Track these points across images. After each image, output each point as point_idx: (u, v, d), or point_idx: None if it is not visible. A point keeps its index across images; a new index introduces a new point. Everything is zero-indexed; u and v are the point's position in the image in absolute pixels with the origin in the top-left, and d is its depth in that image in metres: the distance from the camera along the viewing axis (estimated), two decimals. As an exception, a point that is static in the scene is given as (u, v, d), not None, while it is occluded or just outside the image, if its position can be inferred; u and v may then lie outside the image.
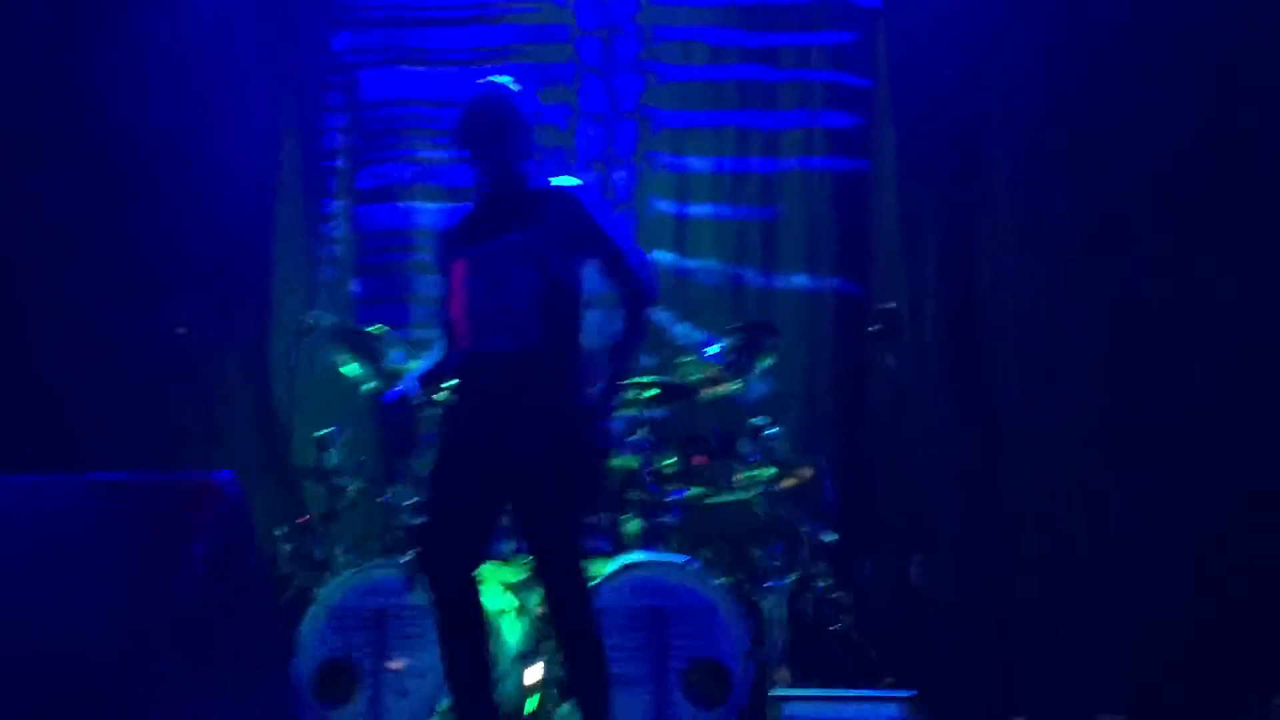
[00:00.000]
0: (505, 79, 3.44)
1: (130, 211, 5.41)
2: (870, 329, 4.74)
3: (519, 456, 3.13)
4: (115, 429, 4.92)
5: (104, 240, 5.37)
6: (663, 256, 5.61)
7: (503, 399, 3.19)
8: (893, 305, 4.78)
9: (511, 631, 4.07)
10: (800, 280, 5.48)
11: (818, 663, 4.29)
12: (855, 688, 4.03)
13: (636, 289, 3.30)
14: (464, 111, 3.35)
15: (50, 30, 5.50)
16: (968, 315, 5.23)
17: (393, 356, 4.42)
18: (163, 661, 1.45)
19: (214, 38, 5.62)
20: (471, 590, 3.18)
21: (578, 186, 3.36)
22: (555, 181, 3.36)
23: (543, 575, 3.23)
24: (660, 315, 5.56)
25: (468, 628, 3.15)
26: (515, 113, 3.34)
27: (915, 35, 5.43)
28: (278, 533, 4.25)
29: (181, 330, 4.42)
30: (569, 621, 3.17)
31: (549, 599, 3.22)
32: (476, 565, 3.23)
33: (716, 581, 3.99)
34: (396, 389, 3.33)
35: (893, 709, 3.80)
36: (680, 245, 5.62)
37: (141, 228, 5.40)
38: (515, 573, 4.19)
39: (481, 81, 3.43)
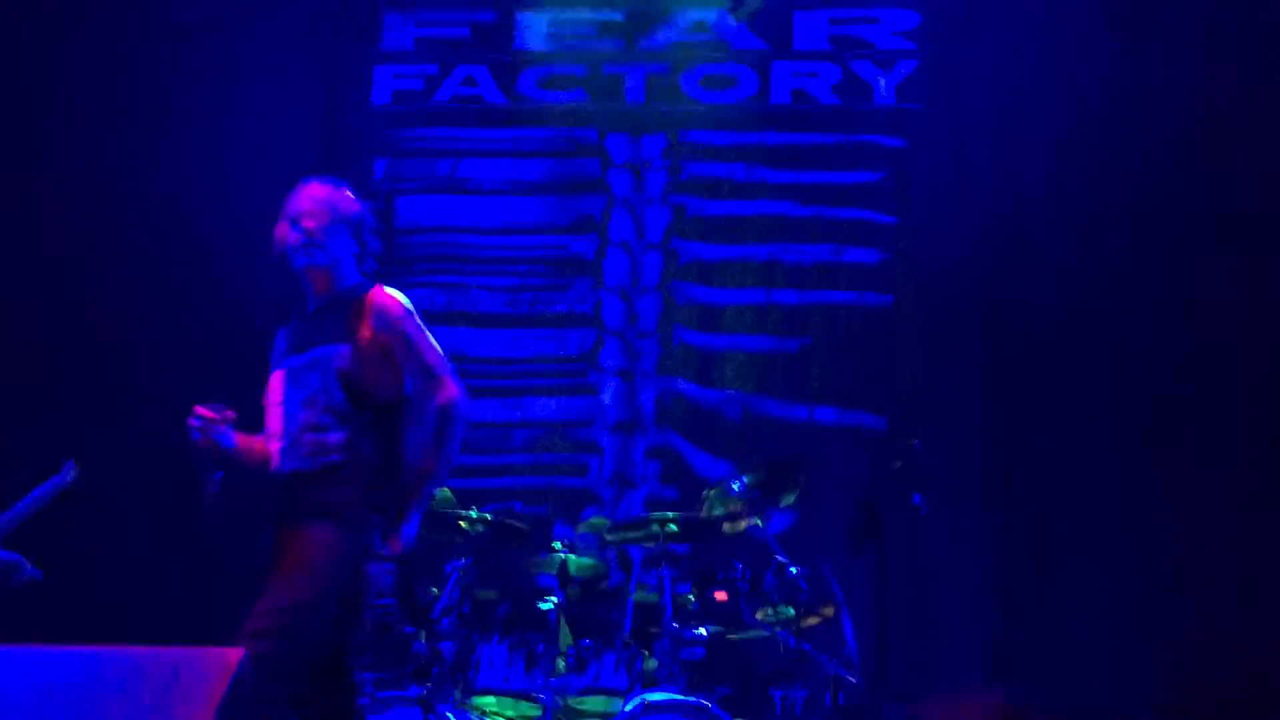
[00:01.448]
0: (330, 181, 3.29)
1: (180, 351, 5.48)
2: (893, 465, 4.71)
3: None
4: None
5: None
6: (685, 387, 5.66)
7: (292, 520, 3.00)
8: (915, 441, 4.77)
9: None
10: (824, 413, 5.50)
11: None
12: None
13: (439, 405, 3.12)
14: (284, 214, 3.21)
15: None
16: (995, 449, 5.21)
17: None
18: None
19: (254, 159, 5.77)
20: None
21: (388, 298, 3.20)
22: (371, 291, 3.19)
23: None
24: (682, 446, 5.59)
25: None
26: (333, 214, 3.19)
27: (939, 172, 5.55)
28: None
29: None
30: None
31: None
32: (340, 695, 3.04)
33: (736, 723, 3.92)
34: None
35: None
36: (704, 375, 5.66)
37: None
38: (530, 708, 4.13)
39: (301, 184, 3.28)
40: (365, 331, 3.11)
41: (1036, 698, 4.67)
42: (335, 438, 3.03)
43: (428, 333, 3.23)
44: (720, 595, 4.42)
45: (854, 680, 4.40)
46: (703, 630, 4.33)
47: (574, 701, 4.12)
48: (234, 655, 1.54)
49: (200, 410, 3.08)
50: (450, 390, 3.15)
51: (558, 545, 4.58)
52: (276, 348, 3.27)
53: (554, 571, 4.48)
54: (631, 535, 4.53)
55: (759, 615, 4.36)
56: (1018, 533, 5.20)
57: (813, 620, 4.41)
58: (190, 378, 5.08)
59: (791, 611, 4.34)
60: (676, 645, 4.25)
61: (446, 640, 4.11)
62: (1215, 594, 4.81)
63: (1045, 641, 4.97)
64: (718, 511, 4.57)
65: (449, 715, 3.85)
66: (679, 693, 4.04)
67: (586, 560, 4.53)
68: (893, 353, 5.46)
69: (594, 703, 4.10)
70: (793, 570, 4.37)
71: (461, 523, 4.41)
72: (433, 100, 6.09)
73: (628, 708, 3.91)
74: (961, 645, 5.11)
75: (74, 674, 1.58)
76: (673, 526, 4.45)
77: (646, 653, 4.24)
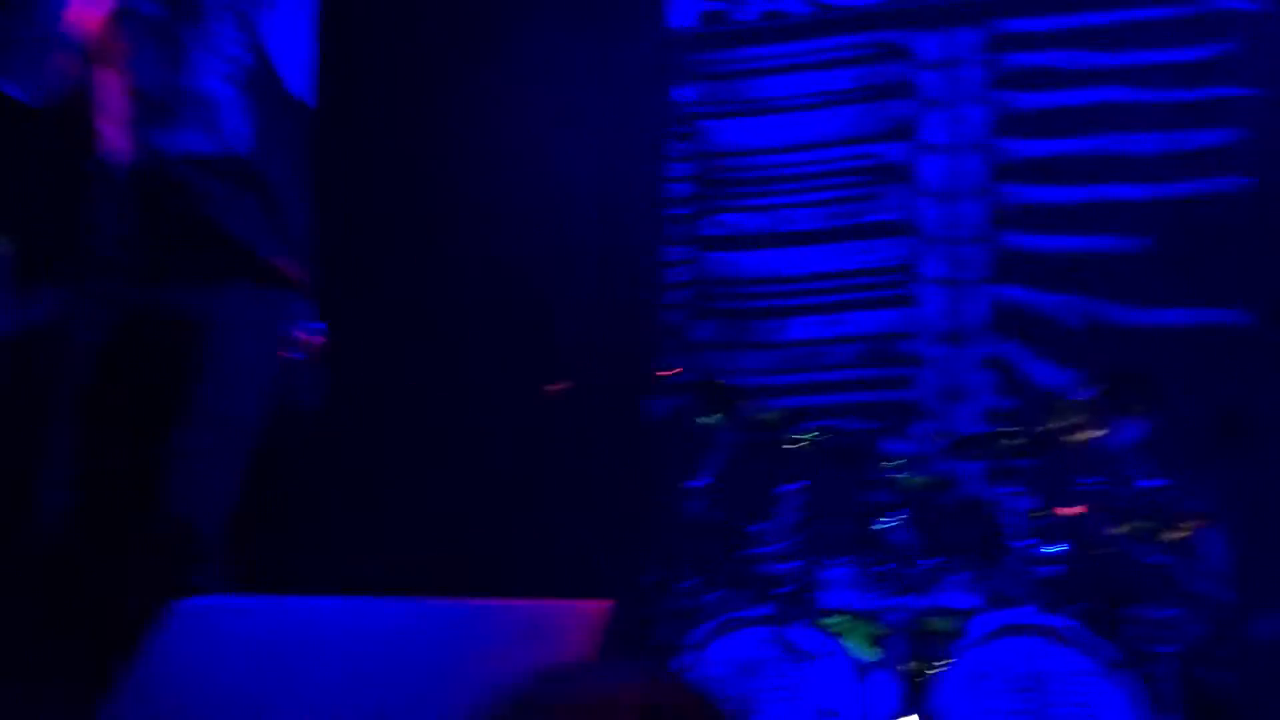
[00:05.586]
0: None
1: (480, 265, 5.67)
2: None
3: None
4: (490, 487, 5.16)
5: (465, 314, 5.65)
6: (1015, 293, 5.38)
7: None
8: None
9: (886, 688, 3.96)
10: (1175, 314, 5.08)
11: (1216, 735, 3.91)
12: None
13: None
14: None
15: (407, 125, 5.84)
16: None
17: (749, 406, 4.44)
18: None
19: (555, 92, 5.87)
20: None
21: None
22: None
23: None
24: (1016, 355, 5.33)
25: None
26: None
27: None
28: (650, 583, 4.36)
29: (556, 387, 4.59)
30: None
31: None
32: None
33: (1099, 645, 3.72)
34: None
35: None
36: (1036, 280, 5.36)
37: (492, 282, 5.65)
38: (879, 628, 4.10)
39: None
40: None
41: None
42: (235, 109, 2.16)
43: None
44: (1070, 510, 4.20)
45: (1223, 598, 4.10)
46: (1054, 547, 4.14)
47: (921, 621, 4.05)
48: (602, 607, 1.52)
49: None
50: None
51: (891, 462, 4.49)
52: None
53: (890, 489, 4.39)
54: (971, 450, 4.37)
55: (1114, 530, 4.12)
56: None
57: (1174, 535, 4.11)
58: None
59: (1150, 526, 4.07)
60: (1026, 563, 4.08)
61: (788, 562, 4.13)
62: None
63: None
64: (1063, 423, 4.33)
65: (798, 634, 3.87)
66: (1031, 612, 3.89)
67: (924, 477, 4.41)
68: (1258, 241, 4.95)
69: (942, 623, 4.01)
70: (1149, 483, 4.10)
71: (789, 444, 4.40)
72: (735, 19, 6.01)
73: (984, 630, 3.80)
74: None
75: (441, 626, 1.59)
76: (1015, 440, 4.26)
77: (994, 571, 4.10)
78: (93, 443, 2.04)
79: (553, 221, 5.75)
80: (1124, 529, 4.10)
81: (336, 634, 1.54)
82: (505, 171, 5.76)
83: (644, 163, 6.08)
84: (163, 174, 2.11)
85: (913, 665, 4.04)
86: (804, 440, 4.41)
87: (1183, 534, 4.15)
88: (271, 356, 2.15)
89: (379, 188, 5.64)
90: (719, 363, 5.66)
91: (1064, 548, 4.14)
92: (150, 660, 1.58)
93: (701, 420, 4.56)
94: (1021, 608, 3.92)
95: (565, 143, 5.87)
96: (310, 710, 1.44)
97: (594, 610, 1.51)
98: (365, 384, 5.00)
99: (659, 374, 4.94)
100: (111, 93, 2.18)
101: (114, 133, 2.16)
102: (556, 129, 5.85)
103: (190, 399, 2.01)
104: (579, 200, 5.85)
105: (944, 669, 3.75)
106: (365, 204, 5.47)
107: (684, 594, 4.28)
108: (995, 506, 4.24)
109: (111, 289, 2.10)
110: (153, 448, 1.98)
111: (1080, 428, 4.28)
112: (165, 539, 1.92)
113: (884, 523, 4.21)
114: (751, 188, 5.96)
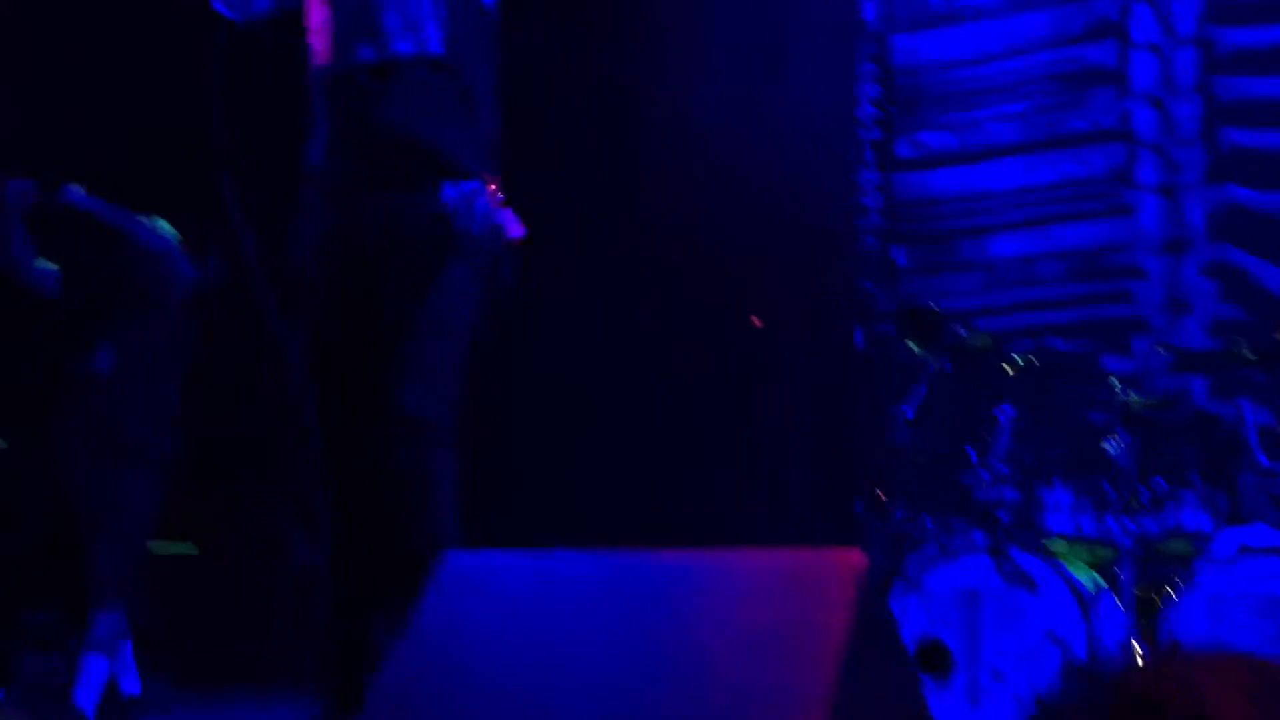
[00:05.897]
0: None
1: (673, 198, 5.67)
2: None
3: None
4: (689, 423, 5.21)
5: (653, 230, 5.65)
6: (1242, 194, 5.06)
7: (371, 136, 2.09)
8: None
9: (1113, 614, 3.87)
10: None
11: None
12: None
13: None
14: None
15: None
16: None
17: (958, 329, 4.35)
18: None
19: (741, 16, 5.79)
20: None
21: None
22: None
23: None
24: (1244, 260, 5.04)
25: None
26: None
27: None
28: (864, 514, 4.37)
29: (757, 321, 4.62)
30: None
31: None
32: None
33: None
34: None
35: None
36: (1263, 180, 5.02)
37: (684, 214, 5.65)
38: (1104, 553, 4.00)
39: None
40: None
41: None
42: (432, 19, 2.11)
43: None
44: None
45: None
46: (1294, 462, 3.93)
47: (1151, 544, 3.92)
48: (856, 556, 1.54)
49: None
50: None
51: (1113, 380, 4.33)
52: None
53: (1113, 408, 4.24)
54: (1199, 363, 4.18)
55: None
56: None
57: None
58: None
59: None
60: (1264, 480, 3.89)
61: (1007, 486, 4.06)
62: None
63: None
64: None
65: (1020, 561, 3.81)
66: (1270, 532, 3.71)
67: (1149, 394, 4.25)
68: None
69: (1177, 545, 3.88)
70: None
71: (1005, 365, 4.30)
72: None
73: (1221, 551, 3.66)
74: None
75: (699, 576, 1.64)
76: (1245, 351, 4.04)
77: (1229, 490, 3.93)
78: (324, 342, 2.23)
79: (744, 150, 5.70)
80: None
81: (598, 586, 1.61)
82: (695, 100, 5.73)
83: (835, 83, 5.96)
84: (364, 80, 2.16)
85: (1142, 590, 3.94)
86: (1019, 361, 4.30)
87: None
88: (474, 256, 2.21)
89: (566, 97, 5.66)
90: (923, 286, 5.55)
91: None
92: (424, 614, 1.69)
93: (909, 346, 4.50)
94: (1260, 527, 3.75)
95: (753, 67, 5.80)
96: (575, 661, 1.52)
97: (849, 559, 1.54)
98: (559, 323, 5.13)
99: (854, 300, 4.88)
100: (315, 3, 2.24)
101: (319, 42, 2.21)
102: (744, 54, 5.79)
103: (411, 306, 2.13)
104: (769, 125, 5.78)
105: (1177, 593, 3.63)
106: (552, 112, 5.52)
107: (900, 523, 4.26)
108: (1227, 422, 4.05)
109: (324, 197, 2.22)
110: (383, 353, 2.12)
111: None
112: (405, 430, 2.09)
113: (1108, 443, 4.08)
114: (948, 103, 5.77)
